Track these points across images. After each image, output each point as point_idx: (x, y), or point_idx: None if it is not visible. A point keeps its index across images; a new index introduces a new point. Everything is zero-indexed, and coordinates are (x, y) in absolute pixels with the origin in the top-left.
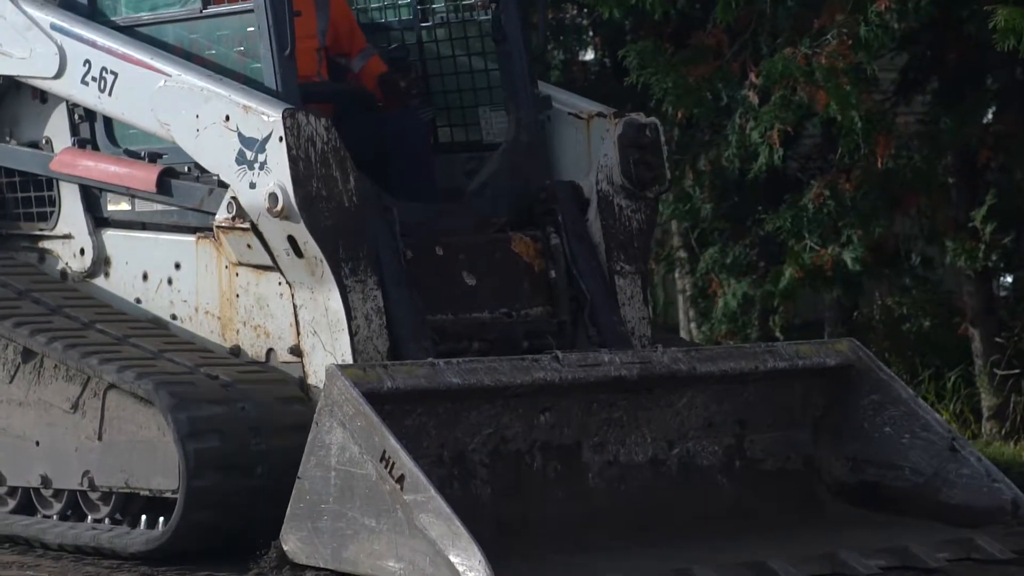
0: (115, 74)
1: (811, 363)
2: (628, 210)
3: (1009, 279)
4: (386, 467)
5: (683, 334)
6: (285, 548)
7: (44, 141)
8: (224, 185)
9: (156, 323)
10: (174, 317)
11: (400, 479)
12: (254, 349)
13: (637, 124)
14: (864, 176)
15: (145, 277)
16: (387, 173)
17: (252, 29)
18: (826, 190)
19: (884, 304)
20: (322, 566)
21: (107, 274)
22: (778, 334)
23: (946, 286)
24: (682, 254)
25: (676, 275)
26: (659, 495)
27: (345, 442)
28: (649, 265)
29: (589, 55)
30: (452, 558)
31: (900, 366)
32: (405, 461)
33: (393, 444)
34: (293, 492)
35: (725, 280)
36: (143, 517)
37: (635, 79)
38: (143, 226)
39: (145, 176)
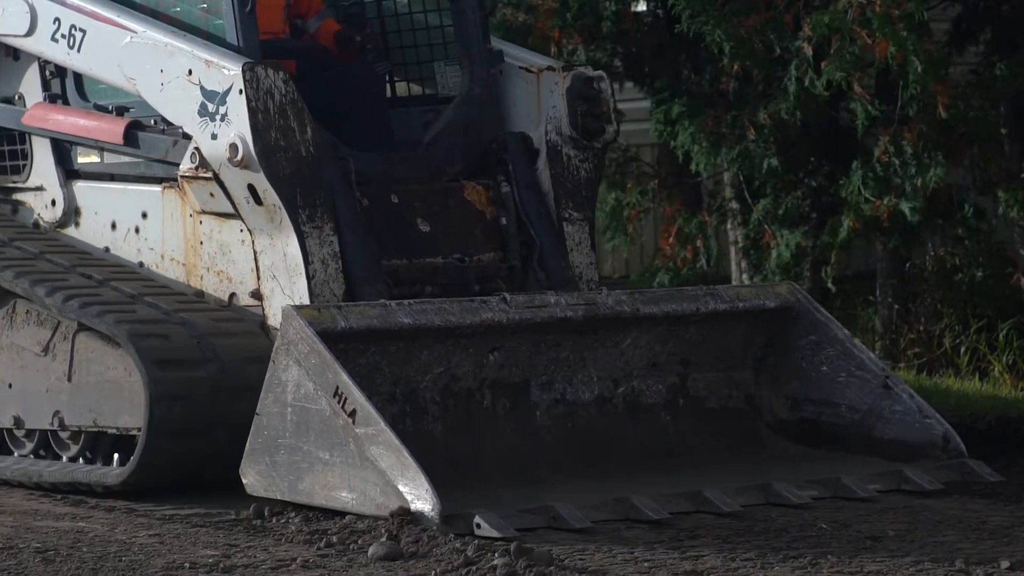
0: (83, 31)
1: (751, 305)
2: (576, 160)
3: None
4: (339, 402)
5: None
6: (244, 482)
7: (16, 97)
8: (188, 137)
9: (125, 269)
10: (141, 264)
11: (352, 413)
12: (217, 293)
13: (585, 77)
14: (926, 127)
15: (114, 226)
16: (344, 125)
17: None
18: (890, 145)
19: (937, 255)
20: (279, 498)
21: (77, 224)
22: (830, 285)
23: (999, 236)
24: (734, 205)
25: (728, 226)
26: (605, 432)
27: (300, 379)
28: (701, 216)
29: (642, 6)
30: (401, 488)
31: (952, 317)
32: (357, 396)
33: (345, 380)
34: (251, 428)
35: (778, 231)
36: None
37: (686, 28)
38: (111, 177)
39: (113, 129)
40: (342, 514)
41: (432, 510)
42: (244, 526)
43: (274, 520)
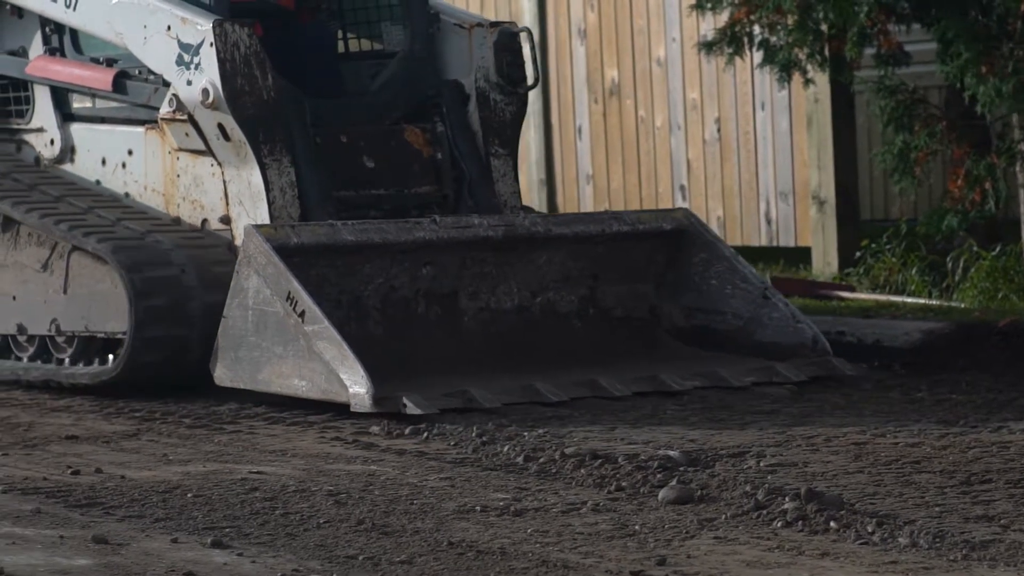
0: None
1: (650, 227)
2: (502, 103)
3: None
4: (291, 305)
5: None
6: (214, 374)
7: (20, 49)
8: (167, 84)
9: (113, 199)
10: (127, 195)
11: (302, 314)
12: (191, 219)
13: (510, 32)
14: None
15: (104, 162)
16: (302, 75)
17: None
18: None
19: None
20: (242, 387)
21: (72, 160)
22: None
23: None
24: (1023, 147)
25: (1017, 168)
26: (524, 336)
27: (259, 286)
28: (990, 158)
29: None
30: (342, 375)
31: None
32: (305, 299)
33: (296, 286)
34: (219, 328)
35: None
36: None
37: None
38: (102, 120)
39: (103, 78)
40: (629, 457)
41: (367, 393)
42: (535, 470)
43: (565, 464)
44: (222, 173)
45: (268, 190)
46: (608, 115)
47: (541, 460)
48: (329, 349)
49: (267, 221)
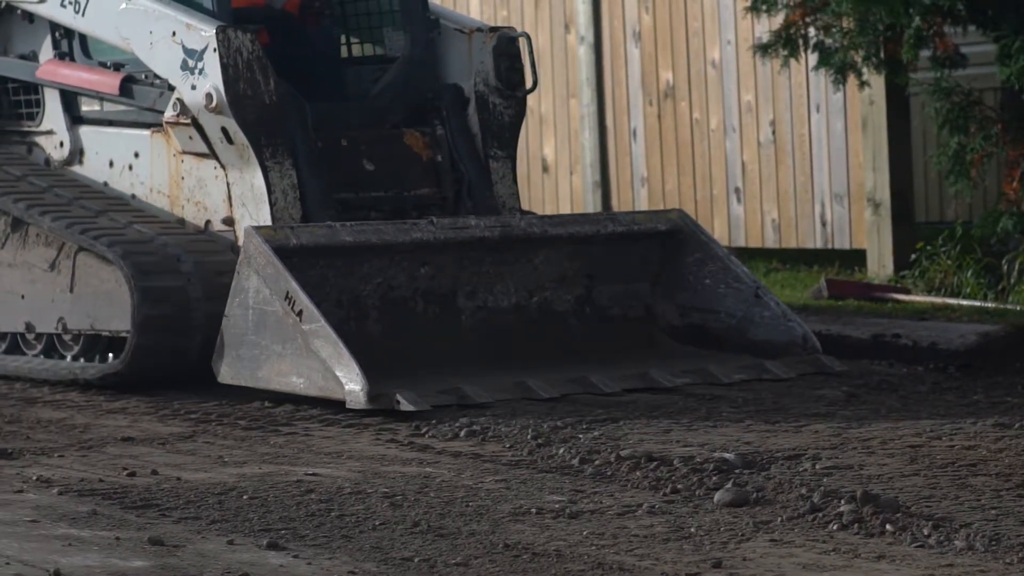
0: None
1: (645, 228)
2: (500, 107)
3: None
4: (289, 304)
5: None
6: (217, 371)
7: (31, 54)
8: (172, 88)
9: (120, 200)
10: (134, 196)
11: (299, 313)
12: (195, 221)
13: (508, 37)
14: None
15: (111, 164)
16: (305, 80)
17: None
18: None
19: None
20: (243, 384)
21: (81, 162)
22: None
23: None
24: None
25: None
26: (521, 335)
27: (259, 286)
28: None
29: None
30: (338, 373)
31: None
32: (303, 299)
33: (294, 286)
34: (221, 327)
35: None
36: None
37: None
38: (110, 123)
39: (111, 82)
40: (685, 459)
41: (361, 390)
42: (590, 472)
43: (621, 466)
44: (225, 176)
45: (270, 192)
46: (663, 117)
47: (596, 462)
48: (325, 347)
49: (269, 223)
